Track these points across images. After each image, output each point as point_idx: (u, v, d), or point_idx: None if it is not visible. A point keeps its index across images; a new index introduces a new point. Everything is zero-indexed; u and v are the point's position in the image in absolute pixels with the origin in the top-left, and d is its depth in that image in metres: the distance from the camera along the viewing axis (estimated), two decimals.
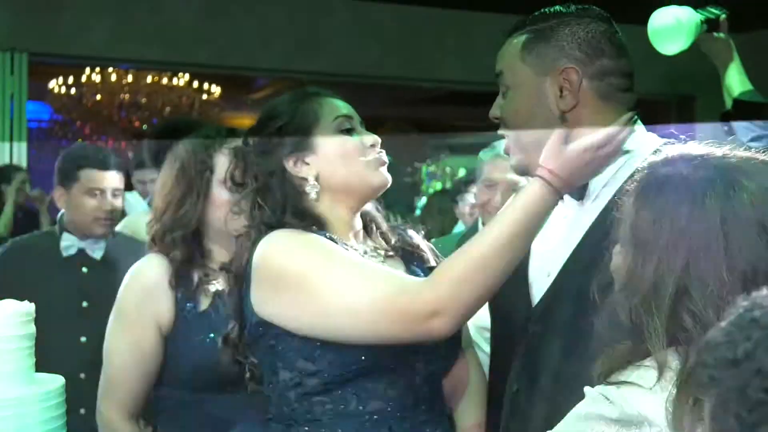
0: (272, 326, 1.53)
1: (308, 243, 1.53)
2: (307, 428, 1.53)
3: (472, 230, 3.55)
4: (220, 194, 1.92)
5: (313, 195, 1.59)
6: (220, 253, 1.95)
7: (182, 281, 1.94)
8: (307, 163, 1.60)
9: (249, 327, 1.57)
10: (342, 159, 1.60)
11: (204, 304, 1.94)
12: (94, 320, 2.52)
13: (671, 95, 8.17)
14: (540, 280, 1.54)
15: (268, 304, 1.53)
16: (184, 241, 1.94)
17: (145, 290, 1.95)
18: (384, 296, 1.44)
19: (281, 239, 1.54)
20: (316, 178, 1.59)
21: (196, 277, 1.95)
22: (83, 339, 2.67)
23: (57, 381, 1.41)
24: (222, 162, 1.92)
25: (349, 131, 1.62)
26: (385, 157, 1.64)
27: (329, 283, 1.48)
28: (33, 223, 5.54)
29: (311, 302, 1.48)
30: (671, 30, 2.40)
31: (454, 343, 1.63)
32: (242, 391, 1.68)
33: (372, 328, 1.45)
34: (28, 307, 1.40)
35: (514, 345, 1.56)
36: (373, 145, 1.63)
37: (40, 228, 5.50)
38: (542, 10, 1.56)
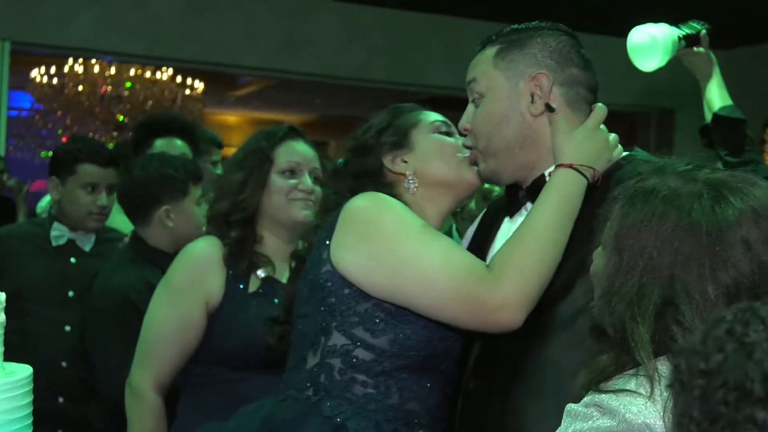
0: (343, 282, 1.54)
1: (401, 205, 1.58)
2: (333, 403, 1.51)
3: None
4: (278, 183, 2.06)
5: (412, 189, 1.66)
6: (271, 240, 2.08)
7: (234, 262, 2.02)
8: (405, 161, 1.69)
9: (315, 276, 1.57)
10: (439, 156, 1.68)
11: (253, 286, 2.03)
12: (78, 310, 2.54)
13: (651, 108, 8.25)
14: None
15: (349, 251, 1.54)
16: (239, 225, 2.04)
17: (198, 266, 2.03)
18: (460, 276, 1.46)
19: (375, 194, 1.60)
20: (414, 174, 1.67)
21: (247, 260, 2.03)
22: (67, 328, 2.68)
23: (25, 370, 1.40)
24: (282, 154, 2.07)
25: (447, 134, 1.72)
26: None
27: (415, 244, 1.51)
28: (10, 212, 5.51)
29: (392, 258, 1.50)
30: (648, 47, 2.44)
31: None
32: (275, 373, 1.72)
33: (439, 302, 1.47)
34: None
35: (470, 344, 1.59)
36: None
37: (16, 216, 5.47)
38: (514, 26, 1.62)
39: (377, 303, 1.53)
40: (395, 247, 1.51)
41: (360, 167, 1.70)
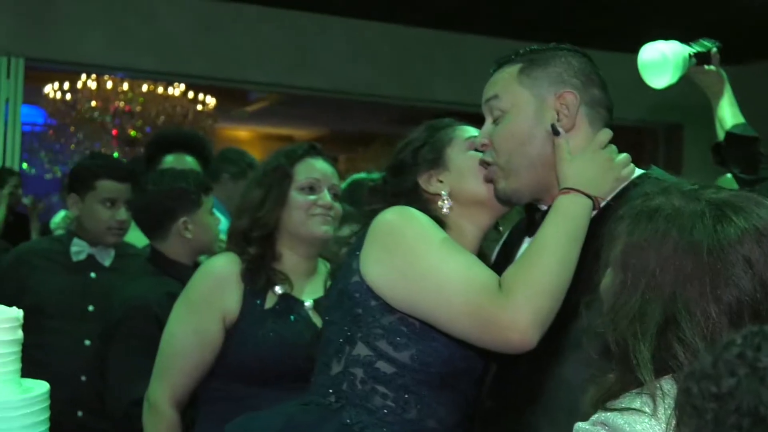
0: (368, 293, 1.55)
1: (424, 218, 1.59)
2: (353, 412, 1.53)
3: None
4: (297, 199, 2.08)
5: (445, 209, 1.66)
6: (290, 257, 2.10)
7: (251, 278, 2.04)
8: (441, 181, 1.69)
9: (344, 285, 1.59)
10: (473, 174, 1.67)
11: (270, 302, 2.05)
12: (98, 324, 2.57)
13: (659, 123, 8.25)
14: None
15: (375, 264, 1.56)
16: (259, 242, 2.06)
17: (216, 281, 2.05)
18: (474, 293, 1.46)
19: (404, 208, 1.61)
20: (449, 194, 1.67)
21: (264, 276, 2.04)
22: (87, 342, 2.72)
23: (42, 387, 1.42)
24: (301, 171, 2.09)
25: (482, 151, 1.67)
26: None
27: (435, 257, 1.51)
28: (23, 227, 5.56)
29: (412, 271, 1.51)
30: (658, 65, 2.44)
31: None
32: (290, 390, 1.76)
33: (453, 318, 1.48)
34: (16, 313, 1.41)
35: (488, 363, 1.60)
36: None
37: (29, 232, 5.53)
38: (531, 46, 1.62)
39: (402, 317, 1.54)
40: (415, 260, 1.52)
41: (396, 186, 1.70)
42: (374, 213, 1.63)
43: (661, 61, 2.44)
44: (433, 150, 1.70)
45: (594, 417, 1.12)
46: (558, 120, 1.53)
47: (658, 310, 1.10)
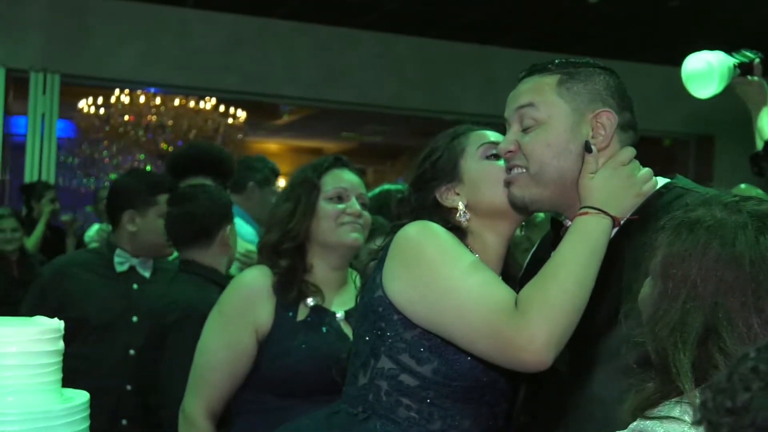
0: (392, 308, 1.56)
1: (445, 234, 1.58)
2: (380, 422, 1.55)
3: None
4: (326, 209, 2.11)
5: (464, 222, 1.65)
6: (321, 269, 2.12)
7: (283, 291, 2.06)
8: (457, 194, 1.67)
9: (369, 298, 1.60)
10: (487, 184, 1.65)
11: (302, 314, 2.06)
12: (142, 335, 2.61)
13: (690, 135, 8.18)
14: None
15: (396, 279, 1.56)
16: (290, 254, 2.08)
17: (248, 295, 2.07)
18: (491, 313, 1.45)
19: (425, 223, 1.60)
20: (466, 206, 1.66)
21: (296, 289, 2.06)
22: (131, 352, 2.75)
23: (82, 396, 1.46)
24: (329, 182, 2.12)
25: (495, 156, 1.67)
26: None
27: (452, 278, 1.51)
28: (60, 241, 5.64)
29: (431, 289, 1.51)
30: (704, 74, 2.43)
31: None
32: (322, 402, 1.77)
33: (471, 338, 1.48)
34: (57, 324, 1.45)
35: (520, 376, 1.59)
36: None
37: (65, 246, 5.61)
38: (566, 58, 1.61)
39: (423, 332, 1.55)
40: (434, 278, 1.52)
41: (417, 202, 1.70)
42: (398, 227, 1.63)
43: (707, 71, 2.43)
44: (448, 163, 1.69)
45: (632, 425, 1.12)
46: (592, 137, 1.52)
47: (699, 319, 1.11)
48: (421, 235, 1.57)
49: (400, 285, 1.56)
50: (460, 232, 1.63)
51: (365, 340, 1.61)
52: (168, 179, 2.98)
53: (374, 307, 1.59)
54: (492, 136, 1.70)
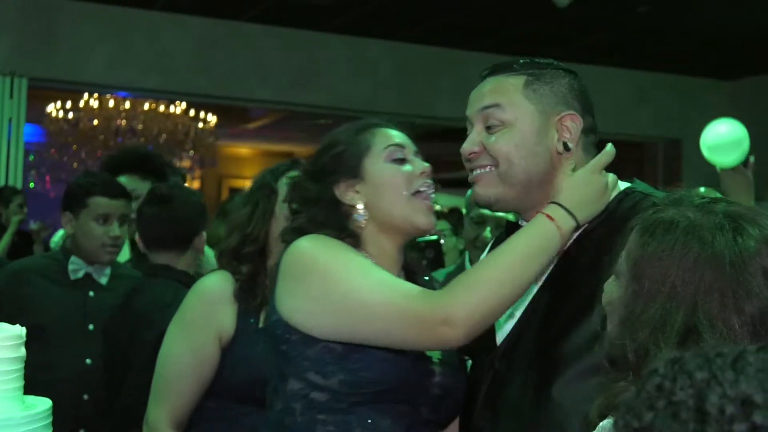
0: (289, 329, 1.53)
1: (337, 244, 1.56)
2: None
3: (458, 268, 3.57)
4: (285, 211, 2.03)
5: (361, 222, 1.61)
6: None
7: (245, 297, 2.03)
8: (357, 191, 1.63)
9: (269, 324, 1.57)
10: (387, 189, 1.61)
11: (263, 321, 2.01)
12: (99, 343, 2.57)
13: (658, 138, 8.27)
14: (504, 320, 1.57)
15: (292, 295, 1.54)
16: (251, 258, 2.06)
17: (210, 301, 2.04)
18: (401, 299, 1.45)
19: (311, 238, 1.57)
20: (365, 206, 1.62)
21: (259, 295, 2.03)
22: (88, 361, 2.70)
23: (44, 404, 1.43)
24: (285, 184, 2.06)
25: (401, 161, 1.64)
26: (430, 196, 1.66)
27: (352, 279, 1.49)
28: (27, 246, 5.56)
29: (332, 296, 1.49)
30: (734, 141, 2.54)
31: (460, 398, 1.64)
32: None
33: (385, 328, 1.46)
34: (20, 331, 1.42)
35: (479, 382, 1.58)
36: (423, 173, 1.65)
37: (33, 250, 5.53)
38: (530, 59, 1.60)
39: (325, 345, 1.52)
40: (333, 284, 1.50)
41: (314, 194, 1.64)
42: (289, 240, 1.59)
43: (740, 137, 2.53)
44: (352, 158, 1.63)
45: (604, 422, 1.11)
46: (558, 139, 1.52)
47: (680, 318, 1.10)
48: (311, 246, 1.56)
49: (297, 301, 1.53)
50: (354, 239, 1.61)
51: (273, 365, 1.59)
52: (102, 179, 2.87)
53: (273, 330, 1.57)
54: (398, 137, 1.66)
